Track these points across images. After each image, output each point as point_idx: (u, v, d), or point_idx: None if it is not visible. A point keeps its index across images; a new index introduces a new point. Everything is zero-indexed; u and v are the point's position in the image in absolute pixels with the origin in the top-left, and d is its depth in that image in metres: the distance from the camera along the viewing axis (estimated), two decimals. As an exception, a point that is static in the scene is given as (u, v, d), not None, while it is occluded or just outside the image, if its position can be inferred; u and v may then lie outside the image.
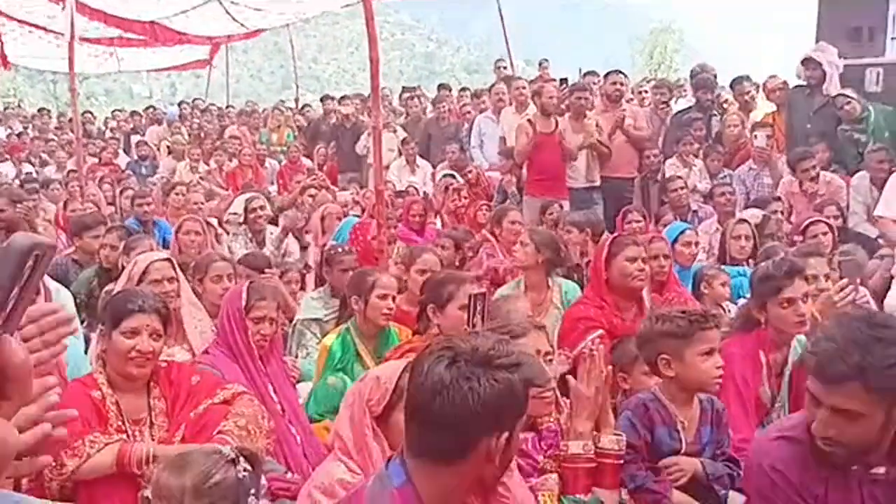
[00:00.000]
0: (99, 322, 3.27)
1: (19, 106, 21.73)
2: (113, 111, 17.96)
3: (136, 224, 6.60)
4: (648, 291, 4.15)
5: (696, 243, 5.31)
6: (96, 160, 11.92)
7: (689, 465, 2.69)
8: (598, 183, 7.45)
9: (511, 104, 8.99)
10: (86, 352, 3.81)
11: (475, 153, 9.22)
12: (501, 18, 12.75)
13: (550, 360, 2.79)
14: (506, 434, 1.72)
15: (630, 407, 2.73)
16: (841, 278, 3.78)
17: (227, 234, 6.68)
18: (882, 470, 2.14)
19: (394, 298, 4.01)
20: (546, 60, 12.82)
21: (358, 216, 6.91)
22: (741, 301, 4.41)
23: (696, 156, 7.65)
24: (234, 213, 6.89)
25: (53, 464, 2.52)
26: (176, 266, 3.95)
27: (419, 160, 9.73)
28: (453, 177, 8.28)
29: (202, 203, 7.44)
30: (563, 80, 9.03)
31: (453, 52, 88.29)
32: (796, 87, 7.60)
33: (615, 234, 4.36)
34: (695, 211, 6.86)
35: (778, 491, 2.18)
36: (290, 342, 4.64)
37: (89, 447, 2.58)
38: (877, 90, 7.21)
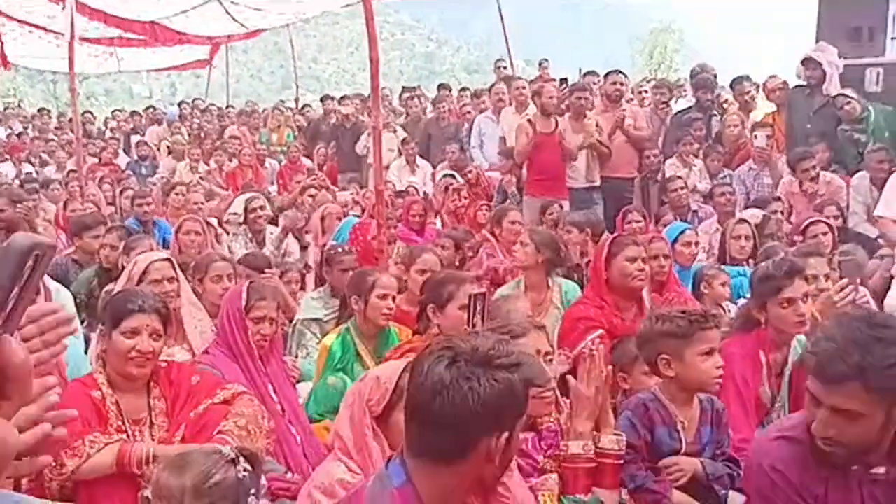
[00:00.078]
0: (99, 322, 3.27)
1: (19, 106, 21.73)
2: (113, 111, 17.95)
3: (135, 224, 6.60)
4: (648, 291, 4.15)
5: (696, 243, 5.31)
6: (96, 160, 11.92)
7: (689, 465, 2.69)
8: (598, 183, 7.45)
9: (511, 104, 9.00)
10: (86, 352, 3.81)
11: (475, 153, 9.22)
12: (501, 18, 12.75)
13: (550, 360, 2.79)
14: (506, 434, 1.72)
15: (630, 407, 2.73)
16: (841, 278, 3.79)
17: (227, 234, 6.67)
18: (882, 470, 2.14)
19: (394, 298, 4.01)
20: (546, 60, 12.83)
21: (358, 216, 6.91)
22: (741, 301, 4.41)
23: (696, 156, 7.65)
24: (234, 213, 6.89)
25: (53, 464, 2.52)
26: (176, 266, 3.95)
27: (419, 160, 9.73)
28: (453, 177, 8.28)
29: (202, 203, 7.44)
30: (563, 80, 9.04)
31: (453, 52, 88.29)
32: (796, 87, 7.60)
33: (615, 234, 4.36)
34: (695, 211, 6.86)
35: (778, 491, 2.18)
36: (290, 342, 4.64)
37: (89, 447, 2.58)
38: (877, 90, 7.21)
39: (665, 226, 5.90)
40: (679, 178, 7.04)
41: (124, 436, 2.74)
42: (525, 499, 2.23)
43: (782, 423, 2.34)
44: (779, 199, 6.48)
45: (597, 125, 7.32)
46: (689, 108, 8.51)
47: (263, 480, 2.50)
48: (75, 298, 4.73)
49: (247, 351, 3.36)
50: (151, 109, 16.19)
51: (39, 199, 8.51)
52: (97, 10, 10.70)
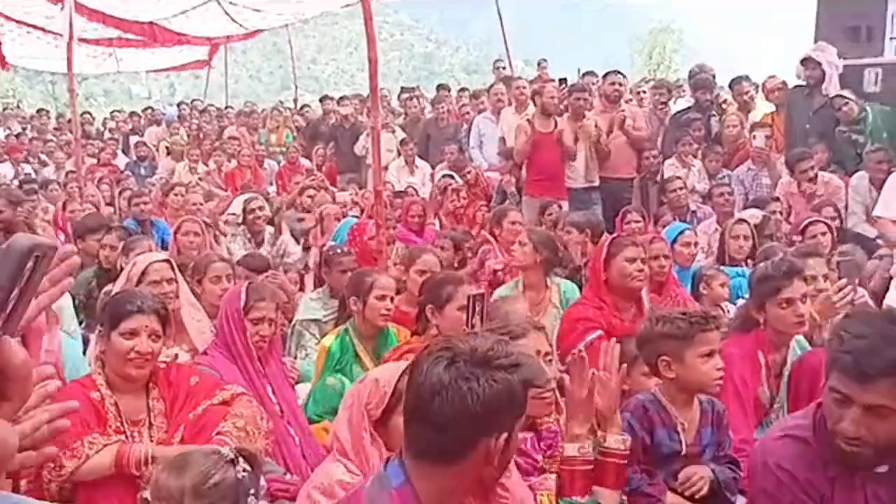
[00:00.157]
0: (98, 323, 3.26)
1: (18, 106, 21.70)
2: (112, 112, 17.94)
3: (133, 225, 6.59)
4: (647, 292, 4.15)
5: (696, 244, 5.31)
6: (95, 161, 11.92)
7: (704, 474, 2.68)
8: (597, 183, 7.45)
9: (510, 104, 9.00)
10: (84, 353, 3.81)
11: (474, 154, 9.22)
12: (500, 19, 12.75)
13: (550, 361, 2.78)
14: (504, 435, 1.72)
15: (629, 409, 2.72)
16: (839, 279, 3.79)
17: (226, 235, 6.67)
18: (885, 469, 2.14)
19: (392, 299, 4.01)
20: (545, 60, 12.82)
21: (357, 217, 6.91)
22: (740, 302, 4.41)
23: (695, 156, 7.65)
24: (233, 214, 6.89)
25: (52, 465, 2.52)
26: (175, 267, 3.95)
27: (418, 161, 9.74)
28: (452, 177, 8.28)
29: (201, 204, 7.44)
30: (563, 81, 9.04)
31: (452, 53, 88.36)
32: (796, 87, 7.60)
33: (614, 235, 4.36)
34: (693, 211, 6.86)
35: (784, 489, 2.17)
36: (289, 343, 4.64)
37: (88, 448, 2.58)
38: (875, 90, 7.21)
39: (664, 226, 5.90)
40: (678, 178, 7.04)
41: (123, 437, 2.73)
42: (524, 498, 2.24)
43: (786, 423, 2.34)
44: (777, 199, 6.48)
45: (596, 126, 7.32)
46: (688, 108, 8.51)
47: (262, 481, 2.50)
48: (74, 299, 4.73)
49: (245, 352, 3.35)
50: (150, 110, 16.18)
51: (38, 200, 8.50)
52: (96, 11, 10.70)
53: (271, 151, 12.32)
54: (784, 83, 8.12)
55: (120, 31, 12.24)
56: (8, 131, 15.62)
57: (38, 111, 17.49)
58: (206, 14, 11.73)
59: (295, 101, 16.48)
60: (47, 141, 13.69)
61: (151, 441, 2.78)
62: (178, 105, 16.62)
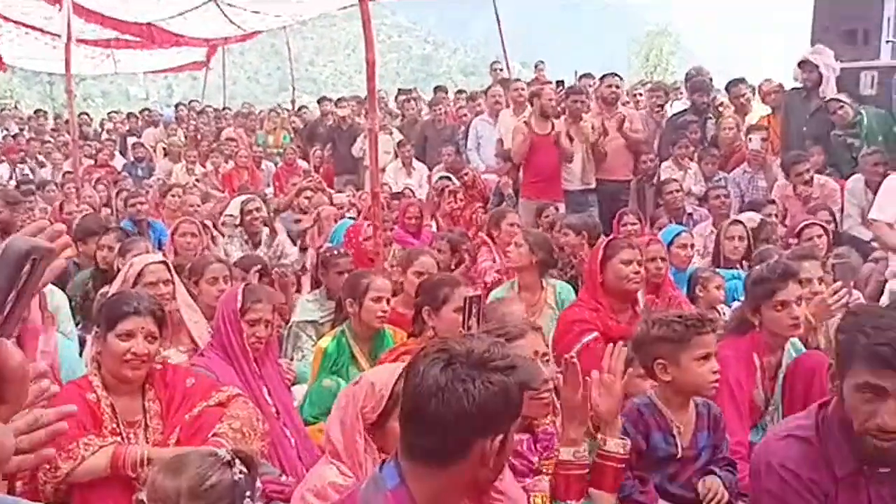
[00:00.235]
0: (94, 324, 3.26)
1: (16, 107, 21.67)
2: (109, 113, 17.94)
3: (130, 226, 6.59)
4: (643, 294, 4.16)
5: (692, 246, 5.32)
6: (92, 162, 11.90)
7: (717, 486, 2.67)
8: (593, 185, 7.46)
9: (508, 106, 9.01)
10: (80, 354, 3.81)
11: (472, 156, 9.23)
12: (498, 21, 12.75)
13: (547, 362, 2.79)
14: (500, 436, 1.73)
15: (624, 413, 2.72)
16: (834, 281, 3.80)
17: (223, 236, 6.67)
18: (888, 469, 2.15)
19: (388, 301, 4.01)
20: (542, 62, 12.82)
21: (353, 219, 6.91)
22: (735, 304, 4.42)
23: (692, 159, 7.66)
24: (230, 216, 6.88)
25: (48, 466, 2.52)
26: (171, 268, 3.95)
27: (415, 163, 9.74)
28: (449, 179, 8.29)
29: (198, 205, 7.43)
30: (560, 83, 9.05)
31: (450, 55, 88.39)
32: (793, 89, 7.62)
33: (610, 237, 4.37)
34: (690, 214, 6.87)
35: (789, 489, 2.17)
36: (285, 344, 4.64)
37: (84, 450, 2.58)
38: (871, 93, 7.22)
39: (660, 228, 5.91)
40: (674, 180, 7.05)
41: (119, 438, 2.73)
42: (518, 499, 2.24)
43: (788, 424, 2.34)
44: (773, 202, 6.50)
45: (592, 128, 7.33)
46: (685, 110, 8.52)
47: (258, 483, 2.51)
48: (70, 300, 4.73)
49: (242, 353, 3.36)
50: (147, 111, 16.17)
51: (35, 201, 8.49)
52: (94, 12, 10.70)
53: (269, 153, 12.31)
54: (780, 86, 8.14)
55: (118, 32, 12.24)
56: (5, 132, 15.59)
57: (35, 112, 17.48)
58: (203, 15, 11.73)
59: (292, 102, 16.49)
60: (45, 142, 13.68)
61: (147, 442, 2.78)
62: (176, 106, 16.60)
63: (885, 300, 5.04)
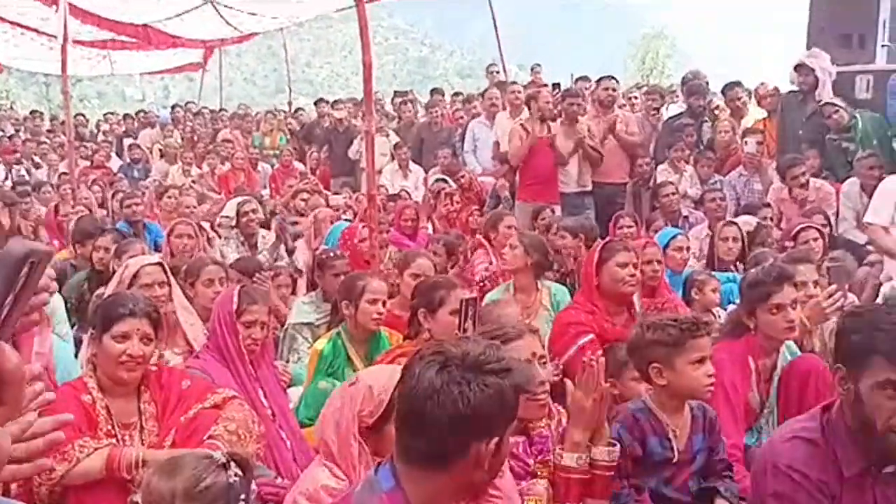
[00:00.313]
0: (89, 326, 3.26)
1: (11, 108, 21.66)
2: (105, 114, 17.91)
3: (126, 227, 6.59)
4: (639, 297, 4.17)
5: (688, 248, 5.34)
6: (88, 163, 11.89)
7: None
8: (589, 188, 7.46)
9: (505, 109, 9.02)
10: (76, 355, 3.80)
11: (468, 158, 9.24)
12: (495, 23, 12.76)
13: (545, 364, 2.79)
14: (496, 439, 1.73)
15: (619, 419, 2.72)
16: (830, 284, 3.81)
17: (220, 237, 6.67)
18: (892, 469, 2.16)
19: (384, 303, 4.01)
20: (538, 65, 12.84)
21: (350, 220, 6.91)
22: (731, 307, 4.43)
23: (687, 162, 7.68)
24: (227, 217, 6.88)
25: (42, 468, 2.51)
26: (167, 270, 3.94)
27: (412, 165, 9.75)
28: (446, 181, 8.29)
29: (194, 206, 7.43)
30: (556, 86, 9.06)
31: (447, 57, 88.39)
32: (789, 92, 7.64)
33: (606, 240, 4.38)
34: (685, 216, 6.89)
35: (799, 490, 2.18)
36: (281, 346, 4.64)
37: (79, 452, 2.57)
38: (867, 97, 7.23)
39: (656, 231, 5.93)
40: (670, 183, 7.06)
41: (114, 440, 2.73)
42: (515, 500, 2.25)
43: (792, 426, 2.34)
44: (768, 205, 6.51)
45: (588, 130, 7.34)
46: (681, 113, 8.53)
47: (254, 485, 2.50)
48: (66, 302, 4.72)
49: (237, 355, 3.35)
50: (144, 113, 16.14)
51: (31, 203, 8.48)
52: (90, 13, 10.69)
53: (265, 154, 12.29)
54: (776, 89, 8.16)
55: (114, 33, 12.22)
56: (1, 133, 15.56)
57: (31, 113, 17.44)
58: (200, 17, 11.72)
59: (289, 104, 16.48)
60: (41, 143, 13.64)
61: (143, 444, 2.78)
62: (172, 108, 16.57)
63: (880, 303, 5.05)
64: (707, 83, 8.66)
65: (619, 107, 8.57)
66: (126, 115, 16.60)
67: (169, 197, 7.66)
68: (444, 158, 9.04)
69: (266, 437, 3.06)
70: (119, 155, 13.20)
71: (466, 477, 1.75)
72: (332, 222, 6.53)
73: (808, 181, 6.47)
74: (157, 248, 6.03)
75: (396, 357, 3.37)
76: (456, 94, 12.80)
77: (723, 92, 8.61)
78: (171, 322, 3.77)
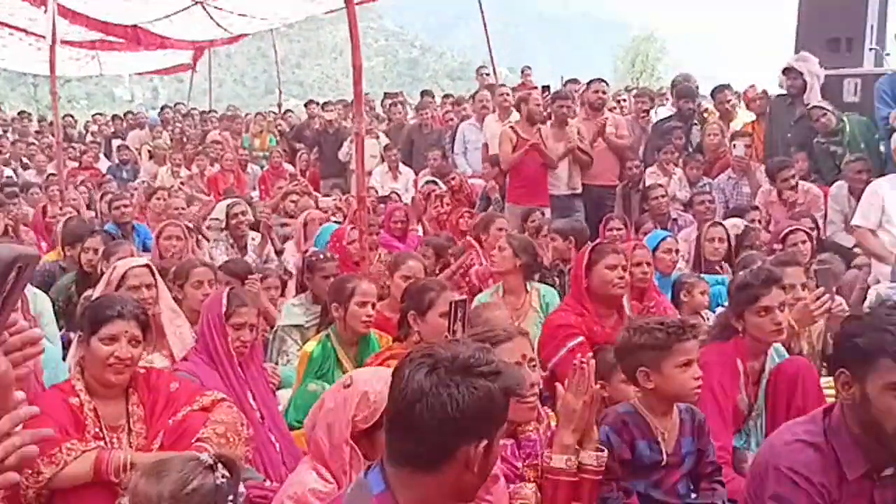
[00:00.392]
0: (77, 328, 3.25)
1: (-1, 109, 21.56)
2: (94, 115, 17.84)
3: (114, 229, 6.56)
4: (629, 299, 4.18)
5: (676, 251, 5.35)
6: (77, 164, 11.84)
7: None
8: (579, 190, 7.48)
9: (494, 111, 9.03)
10: (64, 358, 3.78)
11: (459, 160, 9.24)
12: (485, 25, 12.78)
13: (534, 366, 2.79)
14: (485, 442, 1.73)
15: (608, 422, 2.73)
16: (817, 287, 3.82)
17: (209, 240, 6.65)
18: (891, 472, 2.17)
19: (373, 306, 4.01)
20: (528, 67, 12.86)
21: (339, 222, 6.90)
22: (719, 309, 4.44)
23: (676, 164, 7.70)
24: (216, 219, 6.86)
25: (30, 471, 2.50)
26: (155, 272, 3.93)
27: (401, 167, 9.74)
28: (436, 183, 8.29)
29: (183, 208, 7.41)
30: (546, 88, 9.08)
31: (437, 59, 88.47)
32: (778, 96, 7.67)
33: (595, 242, 4.39)
34: (675, 219, 6.90)
35: (801, 493, 2.18)
36: (270, 349, 4.63)
37: (66, 455, 2.55)
38: (855, 100, 7.27)
39: (645, 234, 5.94)
40: (660, 186, 7.08)
41: (102, 443, 2.72)
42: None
43: (793, 429, 2.34)
44: (757, 208, 6.54)
45: (578, 133, 7.35)
46: (670, 116, 8.56)
47: (242, 488, 2.50)
48: (54, 304, 4.70)
49: (226, 357, 3.34)
50: (132, 114, 16.10)
51: (19, 204, 8.43)
52: (79, 14, 10.64)
53: (255, 156, 12.28)
54: (765, 92, 8.19)
55: (103, 34, 12.17)
56: (-11, 134, 15.49)
57: (19, 114, 17.38)
58: (190, 18, 11.69)
59: (279, 105, 16.48)
60: (29, 144, 13.59)
61: (131, 447, 2.77)
62: (161, 109, 16.53)
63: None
64: (697, 86, 8.68)
65: (609, 109, 8.60)
66: (115, 116, 16.55)
67: (158, 198, 7.63)
68: (434, 160, 9.04)
69: (255, 440, 3.06)
70: (108, 156, 13.16)
71: (456, 480, 1.75)
72: (321, 224, 6.52)
73: (797, 183, 6.51)
74: (145, 250, 6.01)
75: (386, 359, 3.37)
76: (446, 96, 12.81)
77: (712, 95, 8.65)
78: (159, 324, 3.76)
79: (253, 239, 6.60)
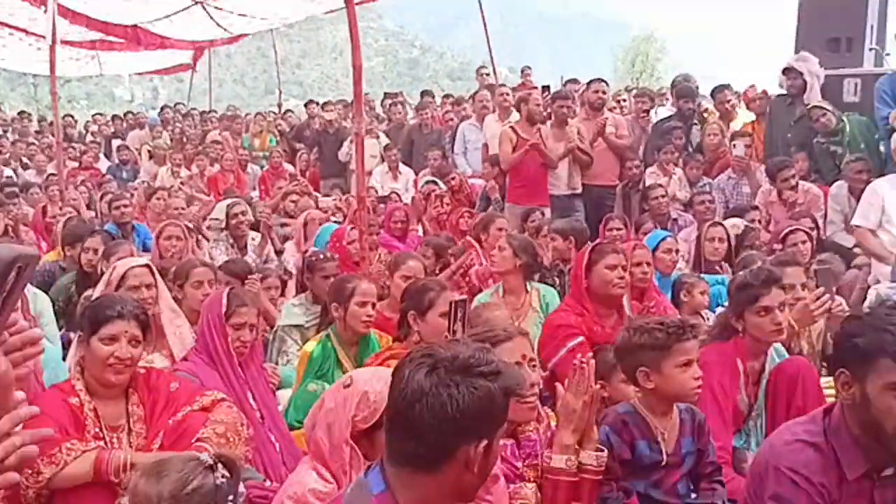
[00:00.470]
0: (77, 328, 3.24)
1: (-1, 109, 21.57)
2: (94, 115, 17.84)
3: (114, 229, 6.56)
4: (628, 299, 4.18)
5: (676, 251, 5.35)
6: (77, 164, 11.84)
7: None
8: (579, 190, 7.48)
9: (494, 111, 9.03)
10: (64, 358, 3.78)
11: (458, 160, 9.25)
12: (485, 25, 12.78)
13: (534, 366, 2.79)
14: (485, 442, 1.73)
15: (608, 422, 2.73)
16: (817, 287, 3.83)
17: (208, 240, 6.65)
18: (891, 472, 2.17)
19: (373, 305, 4.01)
20: (528, 67, 12.86)
21: (339, 222, 6.91)
22: (719, 309, 4.44)
23: (676, 164, 7.71)
24: (216, 219, 6.86)
25: (30, 471, 2.50)
26: (155, 272, 3.93)
27: (402, 167, 9.75)
28: (436, 183, 8.29)
29: (183, 208, 7.41)
30: (546, 88, 9.08)
31: (437, 59, 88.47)
32: (778, 96, 7.66)
33: (595, 242, 4.39)
34: (675, 219, 6.91)
35: (801, 493, 2.18)
36: (270, 349, 4.63)
37: (66, 455, 2.55)
38: (855, 100, 7.27)
39: (645, 234, 5.94)
40: (660, 186, 7.08)
41: (102, 443, 2.72)
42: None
43: (794, 429, 2.34)
44: (756, 208, 6.54)
45: (578, 133, 7.35)
46: (670, 116, 8.56)
47: (242, 488, 2.50)
48: (54, 304, 4.70)
49: (226, 357, 3.34)
50: (132, 114, 16.09)
51: (19, 204, 8.43)
52: (79, 14, 10.65)
53: (254, 156, 12.28)
54: (765, 92, 8.19)
55: (103, 34, 12.17)
56: (-11, 134, 15.49)
57: (19, 114, 17.38)
58: (189, 18, 11.69)
59: (279, 105, 16.47)
60: (29, 144, 13.60)
61: (131, 447, 2.77)
62: (161, 109, 16.54)
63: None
64: (696, 86, 8.68)
65: (609, 109, 8.59)
66: (115, 117, 16.55)
67: (158, 198, 7.63)
68: (434, 160, 9.04)
69: (255, 440, 3.05)
70: (107, 156, 13.16)
71: (456, 480, 1.75)
72: (321, 224, 6.52)
73: (797, 183, 6.51)
74: (145, 250, 6.01)
75: (386, 359, 3.37)
76: (446, 96, 12.81)
77: (712, 95, 8.65)
78: (159, 324, 3.76)
79: (253, 239, 6.60)
